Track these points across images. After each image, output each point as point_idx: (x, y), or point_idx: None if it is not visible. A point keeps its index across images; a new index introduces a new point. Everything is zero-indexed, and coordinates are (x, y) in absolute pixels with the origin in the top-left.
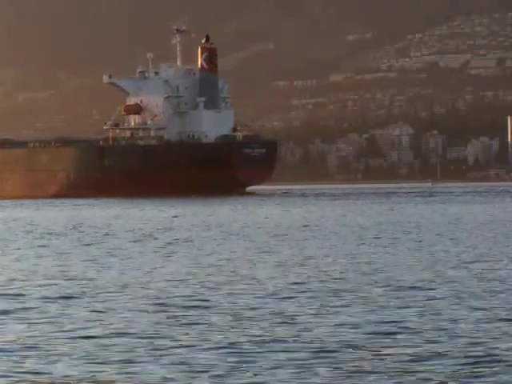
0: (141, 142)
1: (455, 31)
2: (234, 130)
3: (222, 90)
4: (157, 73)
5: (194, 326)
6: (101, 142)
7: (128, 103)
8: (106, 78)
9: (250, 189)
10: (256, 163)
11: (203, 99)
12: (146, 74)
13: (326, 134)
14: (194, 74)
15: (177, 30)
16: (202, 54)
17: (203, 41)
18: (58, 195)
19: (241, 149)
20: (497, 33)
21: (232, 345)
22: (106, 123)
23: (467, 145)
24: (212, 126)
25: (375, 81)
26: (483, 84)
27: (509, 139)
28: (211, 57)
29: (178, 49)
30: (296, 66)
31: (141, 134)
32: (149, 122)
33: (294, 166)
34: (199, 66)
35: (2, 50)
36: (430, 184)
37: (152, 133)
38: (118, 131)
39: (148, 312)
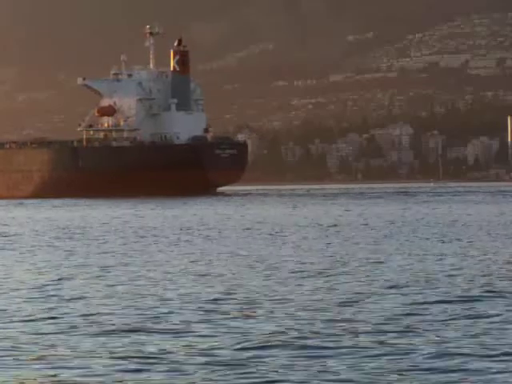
0: (114, 143)
1: (455, 31)
2: (206, 131)
3: (195, 92)
4: (130, 75)
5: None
6: (75, 143)
7: (101, 105)
8: (79, 80)
9: (221, 189)
10: (227, 164)
11: (175, 101)
12: (120, 76)
13: (326, 134)
14: (167, 76)
15: (150, 32)
16: (174, 56)
17: (175, 44)
18: (34, 195)
19: (212, 150)
20: (497, 33)
21: None
22: (79, 124)
23: (467, 145)
24: (184, 127)
25: (375, 81)
26: (483, 84)
27: (509, 139)
28: (183, 59)
29: (151, 51)
30: (296, 66)
31: (114, 135)
32: (122, 123)
33: (294, 165)
34: (171, 68)
35: (2, 50)
36: (432, 184)
37: (125, 134)
38: (91, 132)
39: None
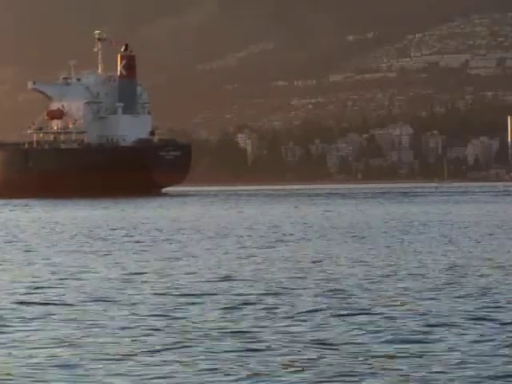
0: (63, 146)
1: (455, 31)
2: (152, 133)
3: (141, 96)
4: (79, 79)
5: None
6: (26, 146)
7: (51, 108)
8: (30, 84)
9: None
10: (171, 165)
11: (122, 104)
12: (69, 81)
13: (326, 134)
14: (115, 80)
15: (99, 38)
16: (121, 61)
17: (122, 49)
18: None
19: (156, 152)
20: (497, 33)
21: None
22: (30, 127)
23: (467, 145)
24: (130, 130)
25: (375, 81)
26: (483, 84)
27: (509, 139)
28: (130, 64)
29: (99, 56)
30: (296, 66)
31: (63, 137)
32: (70, 126)
33: (294, 165)
34: (118, 73)
35: (2, 50)
36: (435, 184)
37: (73, 136)
38: (41, 135)
39: None
